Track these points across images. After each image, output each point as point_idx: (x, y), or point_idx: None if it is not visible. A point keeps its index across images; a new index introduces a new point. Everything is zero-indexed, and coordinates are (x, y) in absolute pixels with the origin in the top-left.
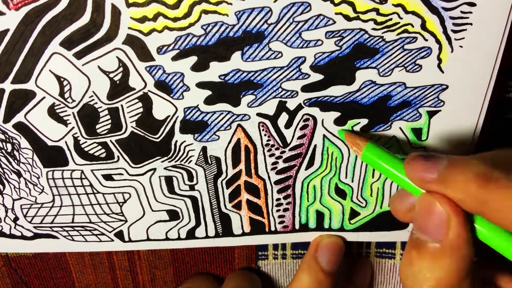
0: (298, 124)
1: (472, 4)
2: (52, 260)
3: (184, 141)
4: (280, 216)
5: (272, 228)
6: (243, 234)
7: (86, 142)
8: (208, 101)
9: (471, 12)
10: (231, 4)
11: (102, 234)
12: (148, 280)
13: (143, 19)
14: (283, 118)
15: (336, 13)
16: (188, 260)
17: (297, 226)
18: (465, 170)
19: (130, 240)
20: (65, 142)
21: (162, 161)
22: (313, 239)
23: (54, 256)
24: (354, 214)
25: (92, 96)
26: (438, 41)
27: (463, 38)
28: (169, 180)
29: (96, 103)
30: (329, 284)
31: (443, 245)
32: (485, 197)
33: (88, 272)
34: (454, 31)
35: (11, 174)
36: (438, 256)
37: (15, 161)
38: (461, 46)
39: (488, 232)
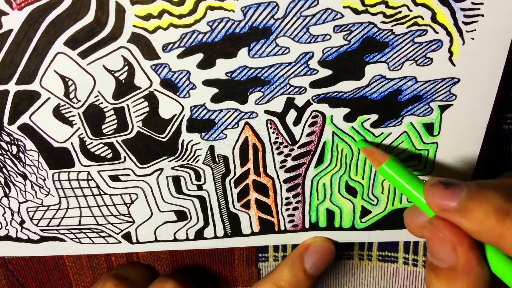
0: (306, 121)
1: None
2: (49, 262)
3: (191, 140)
4: (289, 215)
5: (282, 228)
6: (252, 234)
7: (92, 142)
8: (215, 99)
9: (482, 3)
10: None
11: (110, 236)
12: None
13: (148, 17)
14: (291, 115)
15: (344, 7)
16: (188, 262)
17: (307, 225)
18: (484, 203)
19: (138, 242)
20: (71, 143)
21: (169, 161)
22: (306, 239)
23: (52, 257)
24: (365, 212)
25: (97, 96)
26: (449, 34)
27: (475, 30)
28: (176, 180)
29: (101, 103)
30: (306, 286)
31: (455, 269)
32: (502, 231)
33: (85, 274)
34: (465, 23)
35: (17, 176)
36: (453, 279)
37: (21, 163)
38: (473, 38)
39: (500, 264)
